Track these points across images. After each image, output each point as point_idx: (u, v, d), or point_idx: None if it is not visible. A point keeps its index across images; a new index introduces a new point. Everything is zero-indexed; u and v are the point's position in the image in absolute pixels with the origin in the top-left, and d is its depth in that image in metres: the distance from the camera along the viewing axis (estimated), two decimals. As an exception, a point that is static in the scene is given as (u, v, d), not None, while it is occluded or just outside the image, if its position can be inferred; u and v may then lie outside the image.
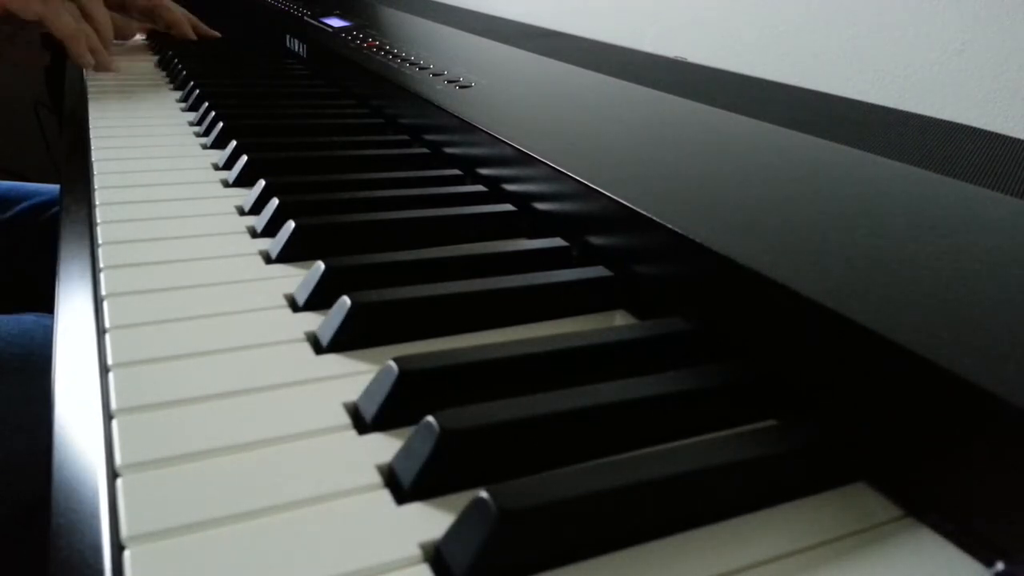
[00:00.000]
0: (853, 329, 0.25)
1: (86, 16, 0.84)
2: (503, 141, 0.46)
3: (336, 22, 0.93)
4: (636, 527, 0.23)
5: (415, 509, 0.23)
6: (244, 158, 0.52)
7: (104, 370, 0.30)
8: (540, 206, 0.43)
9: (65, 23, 0.79)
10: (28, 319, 0.56)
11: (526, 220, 0.45)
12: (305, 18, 0.99)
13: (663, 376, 0.28)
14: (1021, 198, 0.36)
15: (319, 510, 0.23)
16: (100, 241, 0.41)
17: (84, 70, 0.83)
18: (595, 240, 0.38)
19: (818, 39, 0.73)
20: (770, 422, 0.28)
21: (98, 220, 0.43)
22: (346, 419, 0.27)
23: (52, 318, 0.42)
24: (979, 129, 0.49)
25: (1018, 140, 0.47)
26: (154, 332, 0.32)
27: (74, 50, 0.81)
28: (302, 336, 0.33)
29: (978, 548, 0.22)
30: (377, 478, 0.25)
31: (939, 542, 0.23)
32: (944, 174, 0.38)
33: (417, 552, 0.22)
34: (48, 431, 0.27)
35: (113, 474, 0.24)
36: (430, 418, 0.24)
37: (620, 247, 0.36)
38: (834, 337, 0.26)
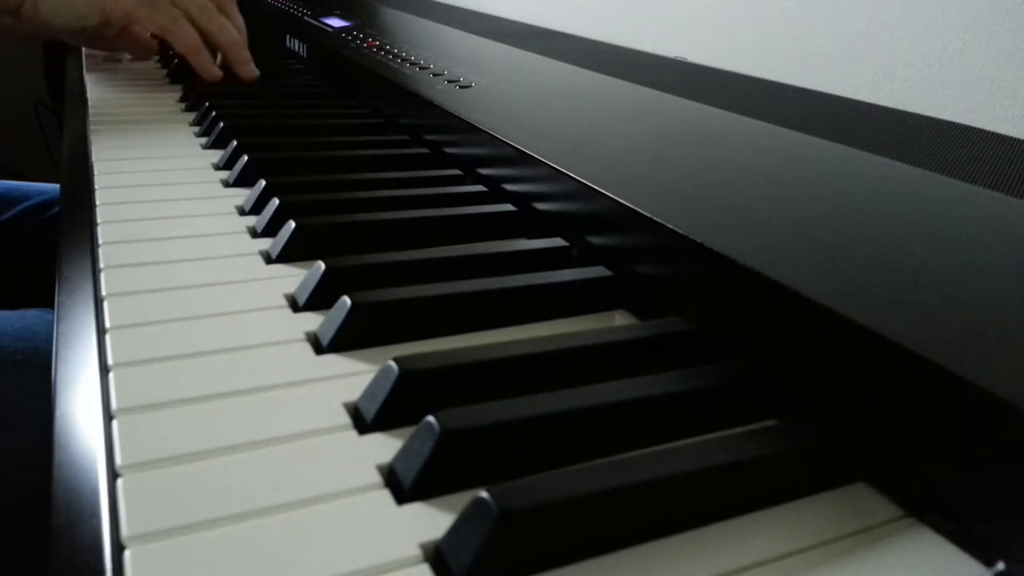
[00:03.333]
0: (853, 329, 0.25)
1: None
2: (503, 141, 0.46)
3: (336, 22, 0.93)
4: (636, 527, 0.23)
5: (415, 509, 0.23)
6: (244, 158, 0.52)
7: (104, 370, 0.30)
8: (540, 206, 0.43)
9: (188, 37, 0.77)
10: (31, 314, 0.55)
11: (526, 220, 0.45)
12: (305, 18, 0.99)
13: (663, 376, 0.28)
14: (1021, 198, 0.36)
15: (319, 510, 0.23)
16: (100, 241, 0.41)
17: (84, 70, 0.83)
18: (595, 240, 0.38)
19: (818, 39, 0.73)
20: (770, 422, 0.28)
21: (98, 220, 0.43)
22: (346, 419, 0.27)
23: (54, 314, 0.42)
24: (979, 129, 0.49)
25: (1018, 140, 0.47)
26: (154, 332, 0.32)
27: (196, 62, 0.78)
28: (302, 336, 0.33)
29: (978, 548, 0.22)
30: (377, 478, 0.25)
31: (939, 542, 0.23)
32: (944, 174, 0.38)
33: (417, 552, 0.22)
34: (49, 431, 0.27)
35: (113, 474, 0.24)
36: (430, 418, 0.24)
37: (620, 247, 0.36)
38: (834, 337, 0.26)
